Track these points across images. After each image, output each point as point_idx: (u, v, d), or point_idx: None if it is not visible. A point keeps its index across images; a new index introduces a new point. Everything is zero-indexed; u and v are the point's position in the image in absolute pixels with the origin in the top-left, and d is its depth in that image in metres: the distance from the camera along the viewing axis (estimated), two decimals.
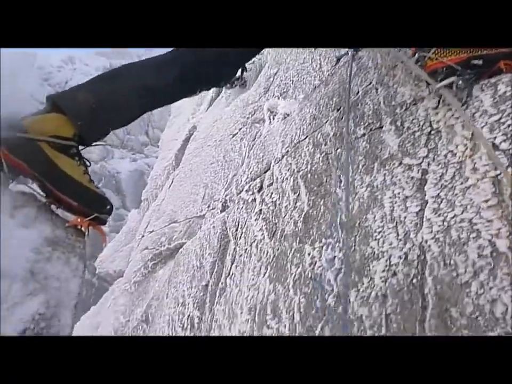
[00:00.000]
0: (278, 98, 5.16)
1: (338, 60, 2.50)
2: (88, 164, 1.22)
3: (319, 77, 3.60)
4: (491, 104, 1.20)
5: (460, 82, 1.21)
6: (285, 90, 5.16)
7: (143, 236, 5.74)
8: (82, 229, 1.18)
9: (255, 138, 4.85)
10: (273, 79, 5.74)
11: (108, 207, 1.23)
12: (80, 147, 1.22)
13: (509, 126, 1.13)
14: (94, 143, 1.25)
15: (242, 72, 1.66)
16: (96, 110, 1.22)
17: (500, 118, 1.16)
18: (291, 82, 5.02)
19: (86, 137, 1.24)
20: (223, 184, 4.80)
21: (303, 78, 4.57)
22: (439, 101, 1.36)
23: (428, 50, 1.25)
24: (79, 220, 1.16)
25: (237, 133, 5.67)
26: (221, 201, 3.13)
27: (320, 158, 1.79)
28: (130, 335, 3.35)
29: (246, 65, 1.68)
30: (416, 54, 1.30)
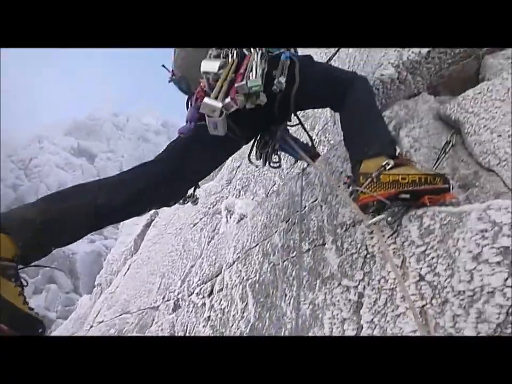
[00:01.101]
0: (239, 191, 5.33)
1: (296, 160, 2.64)
2: (25, 284, 1.20)
3: (279, 174, 3.80)
4: (418, 235, 1.30)
5: (389, 218, 1.32)
6: (246, 184, 5.36)
7: (91, 326, 5.43)
8: None
9: (215, 229, 4.90)
10: (236, 172, 5.98)
11: (40, 330, 1.19)
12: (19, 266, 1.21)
13: (432, 258, 1.23)
14: (34, 264, 1.25)
15: (194, 190, 1.72)
16: (42, 231, 1.23)
17: (425, 250, 1.26)
18: (252, 177, 5.24)
19: (28, 257, 1.24)
20: (180, 274, 4.72)
21: (264, 174, 4.79)
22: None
23: (360, 184, 1.37)
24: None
25: (198, 222, 5.73)
26: (173, 300, 3.07)
27: (268, 269, 1.84)
28: None
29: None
30: (350, 187, 1.43)
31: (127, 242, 8.31)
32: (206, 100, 1.44)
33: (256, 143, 2.00)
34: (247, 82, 1.47)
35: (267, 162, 2.02)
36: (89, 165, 44.04)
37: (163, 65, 1.97)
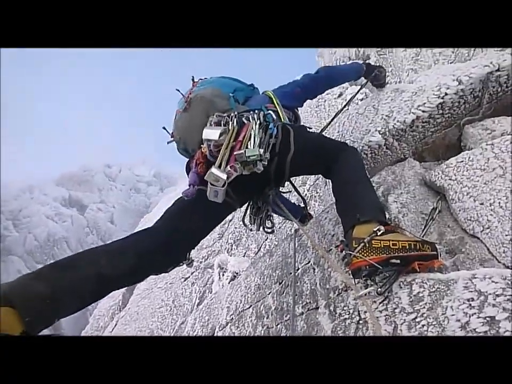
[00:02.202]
0: (231, 245, 5.34)
1: (284, 218, 2.69)
2: None
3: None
4: (408, 302, 1.34)
5: (378, 289, 1.37)
6: (238, 238, 5.39)
7: None
8: None
9: (206, 284, 4.86)
10: (228, 225, 6.02)
11: None
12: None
13: (423, 326, 1.26)
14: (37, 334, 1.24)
15: (189, 252, 1.77)
16: (50, 303, 1.21)
17: (416, 317, 1.29)
18: (244, 231, 5.28)
19: (33, 331, 1.19)
20: (169, 331, 4.62)
21: None
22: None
23: (353, 249, 1.42)
24: None
25: (189, 276, 5.68)
26: None
27: (262, 331, 1.84)
28: None
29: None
30: (343, 252, 1.48)
31: (115, 297, 8.11)
32: (213, 169, 1.52)
33: (249, 208, 2.08)
34: (245, 151, 1.55)
35: (261, 227, 2.08)
36: (79, 216, 43.81)
37: (164, 128, 2.07)
